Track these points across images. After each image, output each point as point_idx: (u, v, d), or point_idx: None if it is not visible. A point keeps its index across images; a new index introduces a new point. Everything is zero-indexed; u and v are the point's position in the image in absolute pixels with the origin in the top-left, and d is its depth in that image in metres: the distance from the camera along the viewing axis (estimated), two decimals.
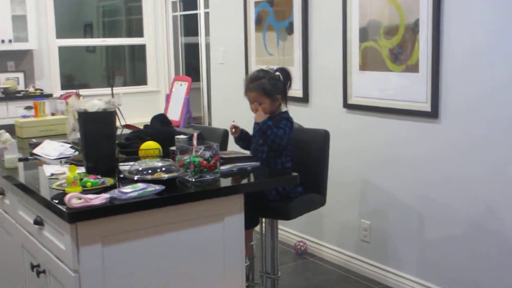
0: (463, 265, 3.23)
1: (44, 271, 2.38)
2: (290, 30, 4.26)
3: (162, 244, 2.25)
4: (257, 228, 3.24)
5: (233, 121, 3.05)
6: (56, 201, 2.14)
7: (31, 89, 6.65)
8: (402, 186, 3.55)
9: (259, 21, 4.57)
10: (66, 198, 2.07)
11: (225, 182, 2.48)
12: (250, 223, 2.68)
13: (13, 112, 6.15)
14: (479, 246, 3.15)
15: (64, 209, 2.04)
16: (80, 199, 2.08)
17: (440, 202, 3.33)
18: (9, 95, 6.47)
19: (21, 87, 6.74)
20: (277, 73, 2.96)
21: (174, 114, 6.51)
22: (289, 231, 4.48)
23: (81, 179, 2.24)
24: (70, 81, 7.50)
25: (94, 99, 2.49)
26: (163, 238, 2.25)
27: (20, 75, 6.80)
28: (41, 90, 6.74)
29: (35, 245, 2.44)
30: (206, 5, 6.19)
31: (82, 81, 7.93)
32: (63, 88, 6.99)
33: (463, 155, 3.17)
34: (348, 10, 3.74)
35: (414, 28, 3.33)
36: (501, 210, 3.03)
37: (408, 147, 3.48)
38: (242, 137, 3.05)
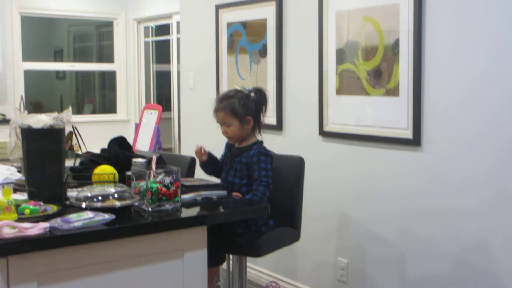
0: None
1: None
2: (263, 52, 4.04)
3: (111, 284, 1.97)
4: (225, 265, 2.96)
5: (197, 144, 2.82)
6: None
7: None
8: (382, 219, 3.30)
9: (231, 44, 4.35)
10: None
11: (187, 213, 2.20)
12: (215, 261, 2.41)
13: None
14: (463, 283, 2.91)
15: None
16: (14, 228, 1.79)
17: (422, 237, 3.09)
18: None
19: None
20: (252, 93, 2.74)
21: (144, 144, 6.25)
22: (260, 270, 4.18)
23: (18, 206, 1.96)
24: (38, 109, 7.24)
25: (40, 115, 2.22)
26: (112, 277, 1.97)
27: None
28: (4, 115, 6.42)
29: None
30: (179, 31, 5.98)
31: (50, 109, 7.63)
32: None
33: (446, 186, 2.95)
34: (324, 31, 3.53)
35: (394, 49, 3.13)
36: (486, 244, 2.80)
37: (388, 178, 3.25)
38: (209, 161, 2.81)
